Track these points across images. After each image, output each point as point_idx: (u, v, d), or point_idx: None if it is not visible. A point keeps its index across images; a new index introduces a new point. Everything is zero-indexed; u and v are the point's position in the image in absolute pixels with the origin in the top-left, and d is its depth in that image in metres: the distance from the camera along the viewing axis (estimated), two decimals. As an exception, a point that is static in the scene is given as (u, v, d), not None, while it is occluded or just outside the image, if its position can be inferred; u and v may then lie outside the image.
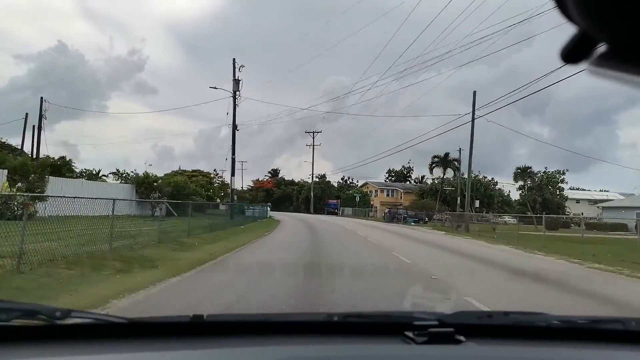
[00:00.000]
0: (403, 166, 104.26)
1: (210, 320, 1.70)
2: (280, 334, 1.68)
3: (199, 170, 67.61)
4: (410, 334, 1.59)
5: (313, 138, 78.48)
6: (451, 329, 1.59)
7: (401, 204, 77.11)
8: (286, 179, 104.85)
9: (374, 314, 2.10)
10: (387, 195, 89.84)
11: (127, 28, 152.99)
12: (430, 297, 6.41)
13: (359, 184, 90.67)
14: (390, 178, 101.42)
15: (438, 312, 1.92)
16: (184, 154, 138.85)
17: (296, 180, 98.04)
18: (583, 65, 0.68)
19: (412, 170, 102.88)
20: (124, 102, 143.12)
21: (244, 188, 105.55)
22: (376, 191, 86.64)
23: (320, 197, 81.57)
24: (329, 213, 77.51)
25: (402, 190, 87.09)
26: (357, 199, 69.52)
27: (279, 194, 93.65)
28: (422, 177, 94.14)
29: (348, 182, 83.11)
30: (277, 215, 47.47)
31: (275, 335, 1.65)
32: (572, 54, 0.68)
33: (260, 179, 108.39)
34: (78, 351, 1.47)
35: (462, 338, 1.57)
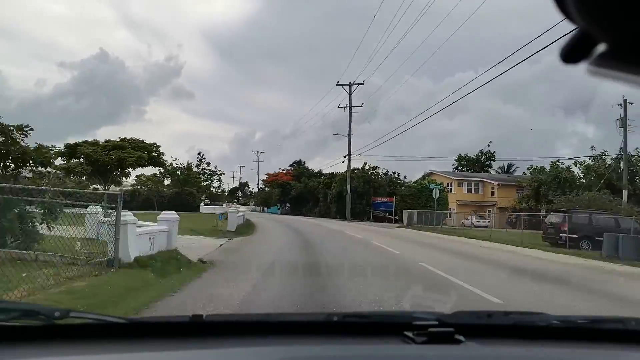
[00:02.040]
0: (480, 151, 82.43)
1: (209, 320, 1.82)
2: (279, 334, 1.78)
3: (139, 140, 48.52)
4: (409, 334, 1.68)
5: (350, 108, 57.71)
6: (451, 329, 1.68)
7: (494, 204, 55.49)
8: (309, 168, 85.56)
9: (374, 314, 2.28)
10: (469, 190, 64.10)
11: (165, 35, 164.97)
12: None
13: (421, 176, 66.72)
14: (460, 168, 78.71)
15: (437, 312, 2.02)
16: (220, 156, 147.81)
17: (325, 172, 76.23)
18: (583, 65, 0.71)
19: (494, 157, 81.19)
20: (161, 107, 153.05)
21: (260, 185, 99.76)
22: (449, 184, 63.89)
23: (362, 194, 57.52)
24: (377, 219, 54.29)
25: (495, 183, 62.44)
26: (436, 194, 30.47)
27: (299, 190, 73.71)
28: (509, 167, 76.59)
29: (393, 179, 61.22)
30: (275, 229, 29.90)
31: (274, 336, 1.76)
32: (572, 54, 0.70)
33: (275, 172, 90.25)
34: (77, 351, 1.56)
35: (461, 338, 1.67)
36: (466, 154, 79.83)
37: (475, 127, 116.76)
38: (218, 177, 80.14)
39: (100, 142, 46.23)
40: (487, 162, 78.40)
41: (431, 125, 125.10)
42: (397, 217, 51.73)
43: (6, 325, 1.57)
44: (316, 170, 77.74)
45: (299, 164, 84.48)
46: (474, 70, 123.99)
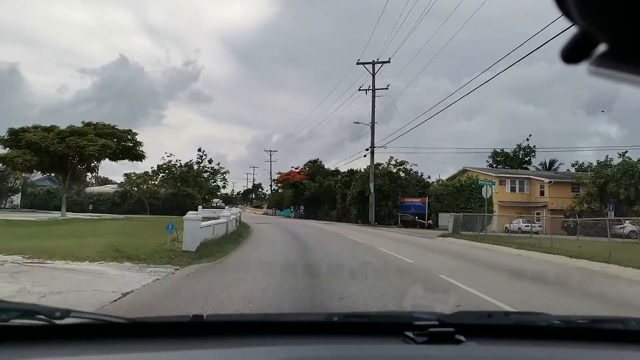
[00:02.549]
0: (518, 145, 73.52)
1: (210, 320, 1.88)
2: (280, 334, 1.84)
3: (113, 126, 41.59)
4: (410, 334, 1.73)
5: (373, 93, 48.59)
6: (451, 329, 1.73)
7: (544, 205, 46.68)
8: (325, 167, 76.52)
9: (374, 314, 2.34)
10: (513, 189, 54.00)
11: (183, 40, 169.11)
12: None
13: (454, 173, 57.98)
14: (495, 165, 69.98)
15: (438, 312, 2.08)
16: (237, 160, 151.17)
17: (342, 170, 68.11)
18: (583, 65, 0.73)
19: (534, 152, 71.82)
20: (180, 110, 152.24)
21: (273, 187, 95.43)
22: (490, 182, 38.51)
23: (388, 194, 48.91)
24: (405, 223, 45.49)
25: (545, 180, 52.27)
26: (487, 192, 19.33)
27: (314, 190, 66.10)
28: (551, 163, 67.88)
29: (420, 178, 52.19)
30: (273, 241, 21.59)
31: (275, 336, 1.81)
32: (572, 53, 0.72)
33: (288, 171, 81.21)
34: (77, 351, 1.60)
35: (462, 338, 1.72)
36: (502, 149, 71.14)
37: (506, 122, 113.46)
38: (222, 176, 71.56)
39: (61, 128, 38.94)
40: (527, 159, 69.54)
41: (455, 122, 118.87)
42: (429, 221, 43.15)
43: (7, 325, 1.63)
44: (332, 169, 72.44)
45: (314, 162, 77.88)
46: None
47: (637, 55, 0.67)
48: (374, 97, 48.42)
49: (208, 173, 68.38)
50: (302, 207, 74.14)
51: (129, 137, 40.72)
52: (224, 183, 73.57)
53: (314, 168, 73.64)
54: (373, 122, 49.06)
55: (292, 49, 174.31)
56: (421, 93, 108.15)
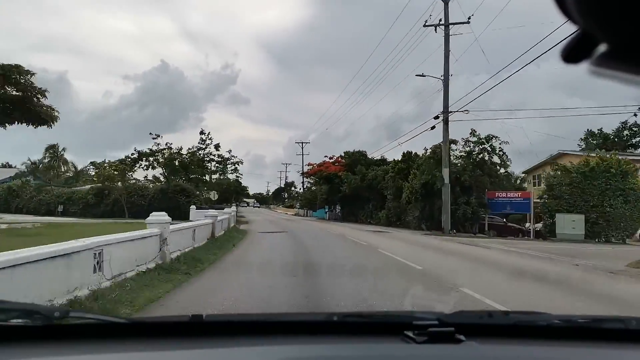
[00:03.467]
0: (623, 124, 54.45)
1: (209, 320, 1.87)
2: (279, 334, 1.81)
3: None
4: (410, 334, 1.70)
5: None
6: (451, 329, 1.71)
7: None
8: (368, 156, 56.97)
9: (374, 314, 2.32)
10: None
11: (221, 44, 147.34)
12: None
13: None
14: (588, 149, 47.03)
15: (438, 312, 2.01)
16: (275, 161, 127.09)
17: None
18: (584, 65, 0.73)
19: None
20: (219, 113, 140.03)
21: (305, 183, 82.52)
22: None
23: (468, 187, 32.51)
24: (498, 230, 31.57)
25: None
26: None
27: (354, 185, 48.19)
28: None
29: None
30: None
31: (274, 335, 1.79)
32: (573, 54, 0.73)
33: (322, 161, 61.78)
34: (77, 351, 1.59)
35: (462, 337, 1.69)
36: (600, 129, 53.99)
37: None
38: (234, 167, 53.63)
39: None
40: (634, 140, 52.62)
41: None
42: (536, 226, 28.17)
43: (6, 325, 1.63)
44: (377, 157, 53.66)
45: (354, 152, 58.32)
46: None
47: (637, 55, 0.66)
48: (447, 35, 30.45)
49: (215, 162, 50.74)
50: (338, 207, 59.26)
51: (19, 77, 23.80)
52: (235, 175, 56.25)
53: (353, 157, 55.52)
54: (447, 75, 30.64)
55: (327, 48, 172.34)
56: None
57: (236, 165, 52.71)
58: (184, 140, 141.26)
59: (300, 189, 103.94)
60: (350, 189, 49.32)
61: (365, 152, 57.29)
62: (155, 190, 44.30)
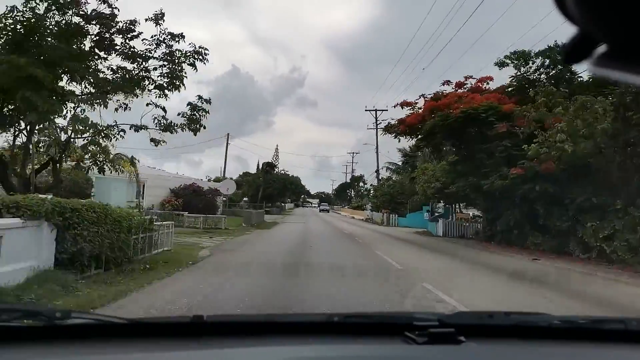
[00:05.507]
0: None
1: (210, 320, 1.86)
2: (280, 334, 1.84)
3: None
4: (410, 335, 1.72)
5: None
6: (452, 329, 1.73)
7: None
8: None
9: (375, 315, 2.26)
10: None
11: (289, 48, 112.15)
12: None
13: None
14: None
15: (438, 313, 2.19)
16: (341, 162, 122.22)
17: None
18: (585, 65, 0.74)
19: None
20: (287, 116, 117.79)
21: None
22: None
23: None
24: None
25: None
26: None
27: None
28: None
29: None
30: None
31: (275, 336, 1.81)
32: (573, 54, 0.73)
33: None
34: (78, 351, 1.61)
35: (462, 338, 1.71)
36: None
37: None
38: (192, 58, 15.37)
39: None
40: None
41: None
42: None
43: (8, 325, 1.64)
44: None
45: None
46: None
47: (637, 55, 0.66)
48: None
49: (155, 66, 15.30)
50: (473, 210, 29.29)
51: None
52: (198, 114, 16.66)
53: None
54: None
55: (395, 48, 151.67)
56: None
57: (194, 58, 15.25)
58: (255, 142, 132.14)
59: (368, 187, 74.49)
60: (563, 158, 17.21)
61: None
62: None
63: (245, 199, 63.40)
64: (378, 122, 55.62)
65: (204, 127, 15.96)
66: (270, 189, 67.60)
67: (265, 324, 1.91)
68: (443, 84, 24.96)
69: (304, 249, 18.07)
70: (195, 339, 1.70)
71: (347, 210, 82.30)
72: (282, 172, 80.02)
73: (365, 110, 60.04)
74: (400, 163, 51.66)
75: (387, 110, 57.15)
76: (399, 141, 25.30)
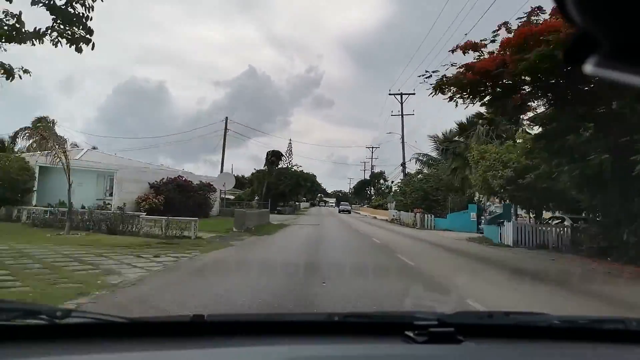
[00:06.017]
0: None
1: (210, 320, 1.86)
2: (280, 334, 1.84)
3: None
4: (410, 334, 1.72)
5: None
6: (451, 329, 1.73)
7: None
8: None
9: (375, 314, 2.31)
10: None
11: (305, 48, 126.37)
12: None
13: None
14: None
15: (438, 312, 2.07)
16: (357, 160, 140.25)
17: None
18: (585, 65, 0.74)
19: None
20: (303, 116, 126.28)
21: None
22: None
23: None
24: None
25: None
26: None
27: None
28: None
29: None
30: None
31: (275, 336, 1.81)
32: (574, 54, 0.74)
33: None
34: (78, 351, 1.59)
35: (462, 338, 1.71)
36: None
37: None
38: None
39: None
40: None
41: None
42: None
43: (8, 324, 1.63)
44: None
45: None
46: None
47: (637, 55, 0.67)
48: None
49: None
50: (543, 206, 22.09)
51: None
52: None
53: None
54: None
55: (410, 46, 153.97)
56: None
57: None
58: (271, 143, 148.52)
59: (392, 182, 66.49)
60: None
61: None
62: None
63: (257, 197, 56.45)
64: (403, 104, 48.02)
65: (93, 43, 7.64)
66: (282, 186, 60.12)
67: (265, 323, 1.93)
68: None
69: (308, 286, 8.56)
70: (195, 339, 1.71)
71: (367, 210, 74.28)
72: (296, 167, 71.66)
73: (389, 94, 52.39)
74: (434, 154, 43.50)
75: (414, 93, 48.71)
76: (456, 105, 15.85)
